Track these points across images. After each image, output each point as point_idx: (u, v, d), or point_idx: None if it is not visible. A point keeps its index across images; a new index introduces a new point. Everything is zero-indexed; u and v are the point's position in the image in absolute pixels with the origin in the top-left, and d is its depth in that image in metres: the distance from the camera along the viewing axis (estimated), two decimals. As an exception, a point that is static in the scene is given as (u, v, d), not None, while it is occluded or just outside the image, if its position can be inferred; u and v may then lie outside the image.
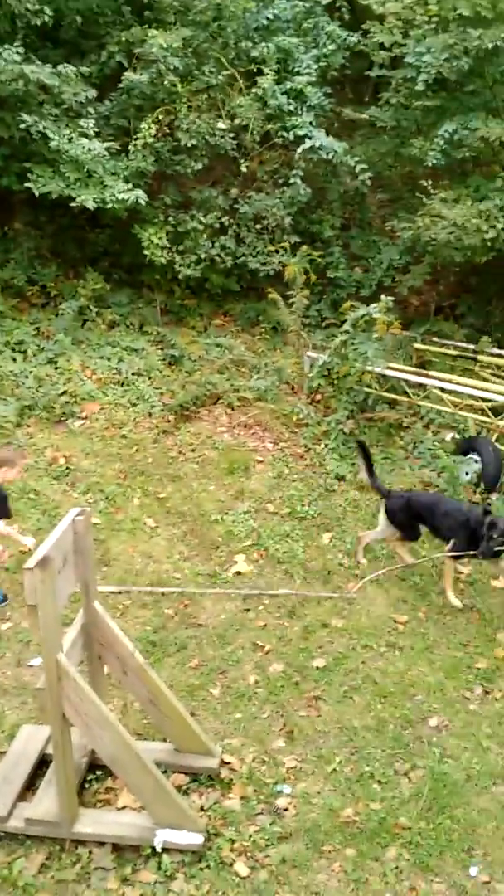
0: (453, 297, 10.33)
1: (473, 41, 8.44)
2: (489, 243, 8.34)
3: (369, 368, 7.87)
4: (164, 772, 3.94)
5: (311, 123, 9.31)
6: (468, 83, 9.25)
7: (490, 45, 8.39)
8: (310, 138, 9.18)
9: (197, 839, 3.69)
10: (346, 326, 7.98)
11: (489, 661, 5.09)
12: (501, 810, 4.03)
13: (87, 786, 4.10)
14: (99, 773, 4.13)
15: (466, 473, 7.24)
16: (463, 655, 5.16)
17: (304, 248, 8.96)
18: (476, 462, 7.24)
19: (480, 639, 5.33)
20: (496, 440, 7.47)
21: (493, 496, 7.02)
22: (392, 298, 8.03)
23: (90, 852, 3.72)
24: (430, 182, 8.84)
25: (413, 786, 4.15)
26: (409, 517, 5.93)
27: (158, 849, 3.68)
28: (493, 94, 9.22)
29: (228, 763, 4.24)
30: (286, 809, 4.00)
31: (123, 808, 3.94)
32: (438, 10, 8.84)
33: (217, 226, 9.43)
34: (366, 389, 8.05)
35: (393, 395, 8.22)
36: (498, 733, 4.52)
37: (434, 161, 8.80)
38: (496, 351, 8.74)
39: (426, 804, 4.03)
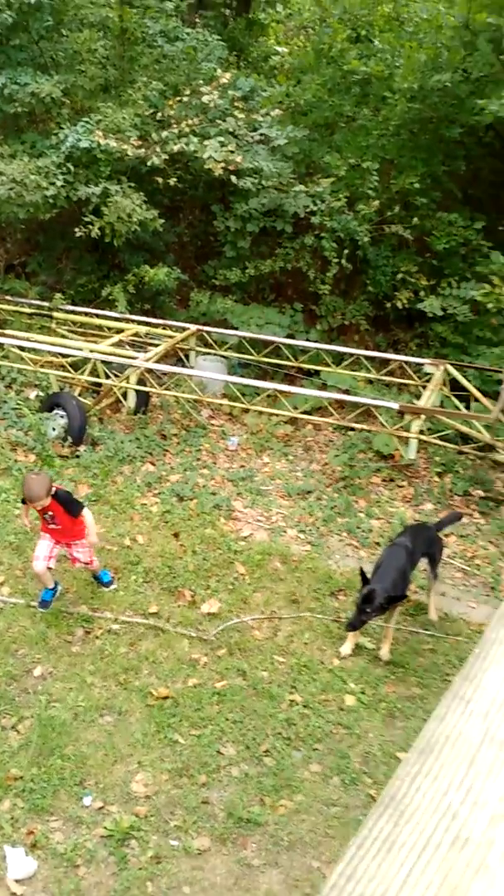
0: (23, 255, 10.23)
1: (16, -6, 8.31)
2: (51, 200, 8.39)
3: None
4: None
5: None
6: (13, 37, 9.08)
7: (33, 0, 8.34)
8: None
9: None
10: None
11: (88, 605, 5.30)
12: (108, 738, 4.29)
13: None
14: None
15: (53, 429, 7.34)
16: (63, 604, 5.31)
17: None
18: (62, 417, 7.38)
19: (78, 585, 5.52)
20: (78, 394, 7.69)
21: (81, 448, 7.24)
22: (-43, 257, 7.72)
23: None
24: (-15, 136, 8.60)
25: (22, 736, 4.21)
26: None
27: None
28: (40, 49, 9.20)
29: None
30: None
31: None
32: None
33: None
34: None
35: (-30, 358, 7.98)
36: (100, 668, 4.77)
37: (-14, 114, 8.55)
38: (70, 308, 8.93)
39: (36, 750, 4.12)
